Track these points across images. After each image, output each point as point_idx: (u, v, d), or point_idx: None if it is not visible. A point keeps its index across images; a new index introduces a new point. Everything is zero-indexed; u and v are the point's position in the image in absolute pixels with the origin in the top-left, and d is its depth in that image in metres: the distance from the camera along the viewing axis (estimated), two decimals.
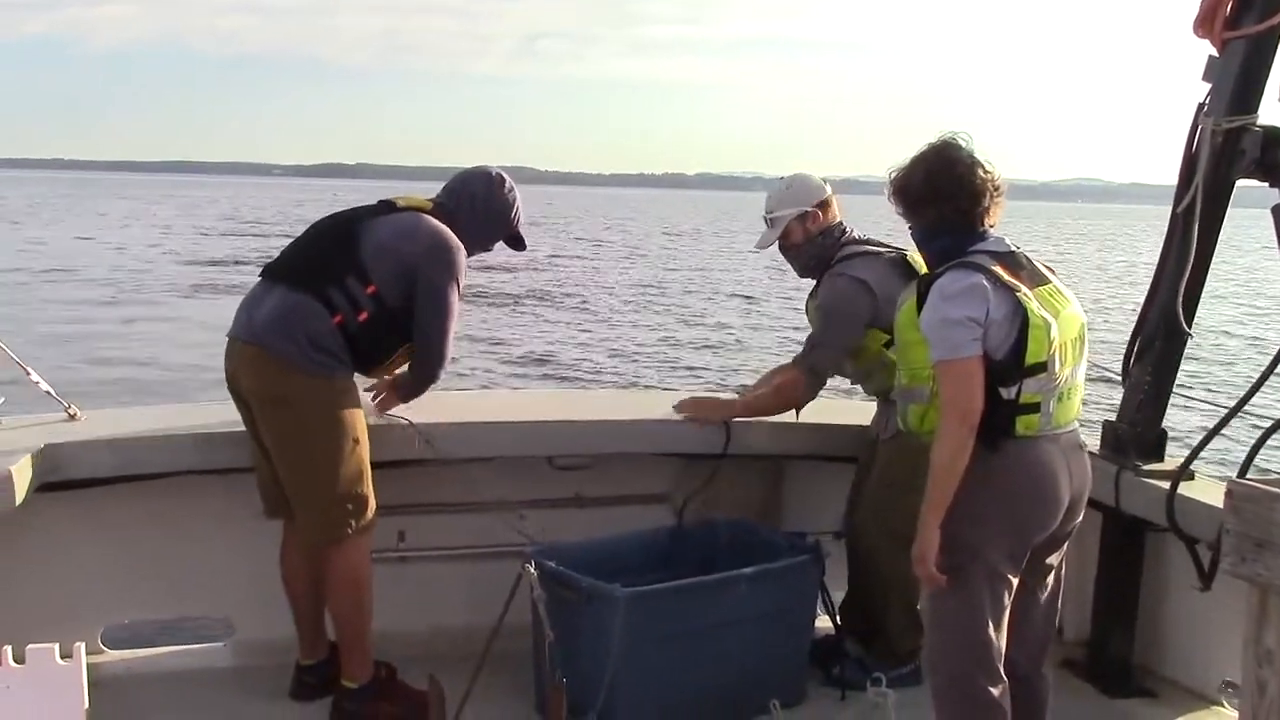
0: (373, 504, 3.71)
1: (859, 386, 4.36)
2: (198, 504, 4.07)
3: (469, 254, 3.87)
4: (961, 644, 3.05)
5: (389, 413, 4.07)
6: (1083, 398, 3.12)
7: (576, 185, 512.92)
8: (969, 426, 2.89)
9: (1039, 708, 3.25)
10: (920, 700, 3.20)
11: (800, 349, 4.24)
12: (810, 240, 4.18)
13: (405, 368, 3.93)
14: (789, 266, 4.37)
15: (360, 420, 3.71)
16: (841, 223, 4.22)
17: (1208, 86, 4.01)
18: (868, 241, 4.21)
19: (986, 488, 2.94)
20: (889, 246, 4.18)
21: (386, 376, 4.03)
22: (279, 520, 3.84)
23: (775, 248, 4.27)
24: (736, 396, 4.79)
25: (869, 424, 4.33)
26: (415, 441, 3.97)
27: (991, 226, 3.07)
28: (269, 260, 3.85)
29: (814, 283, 4.26)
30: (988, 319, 2.88)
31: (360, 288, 3.62)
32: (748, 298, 28.65)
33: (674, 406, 4.45)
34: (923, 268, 4.01)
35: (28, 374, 4.07)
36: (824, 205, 4.19)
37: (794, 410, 4.30)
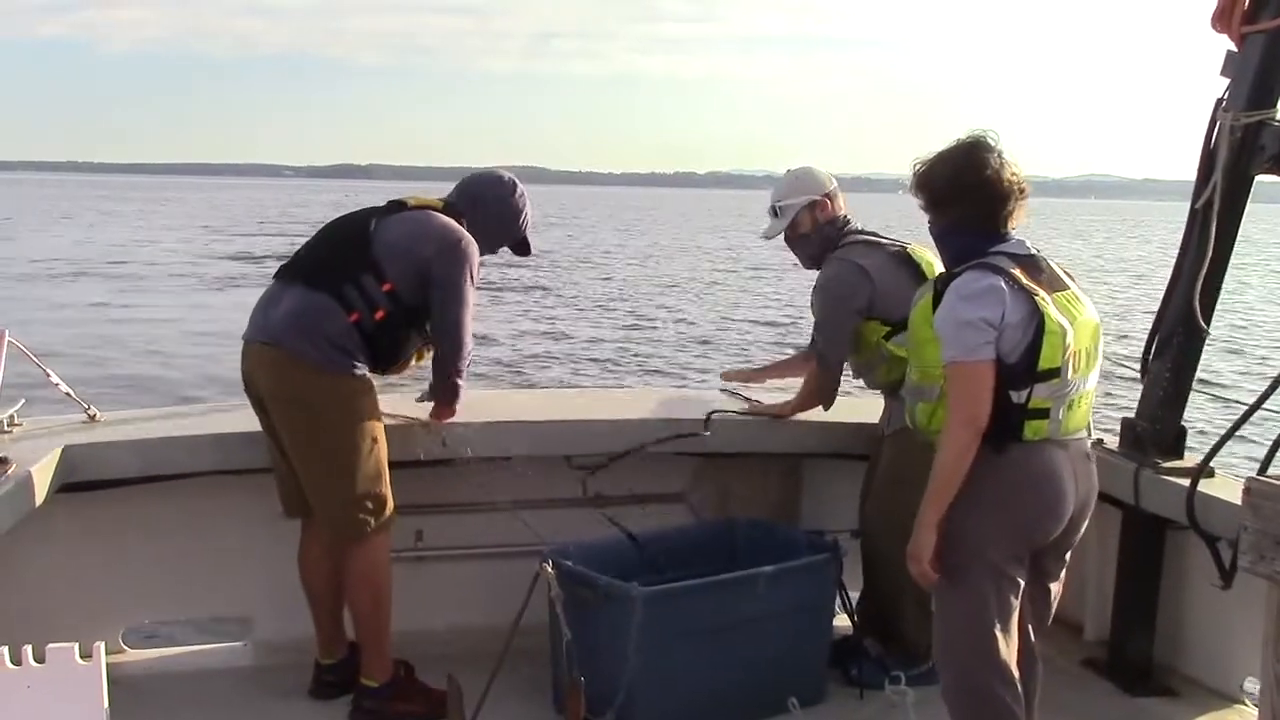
0: (391, 503, 3.73)
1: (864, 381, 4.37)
2: (217, 504, 4.09)
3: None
4: (968, 643, 3.04)
5: (403, 413, 4.09)
6: (1092, 405, 3.09)
7: (586, 185, 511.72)
8: (975, 429, 2.88)
9: (1029, 699, 3.23)
10: (939, 698, 3.19)
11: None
12: (818, 230, 4.18)
13: (429, 370, 3.94)
14: (795, 261, 4.36)
15: (378, 419, 3.73)
16: (846, 215, 4.22)
17: (1225, 82, 3.99)
18: (872, 233, 4.21)
19: (991, 489, 2.93)
20: (891, 239, 4.18)
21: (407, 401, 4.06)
22: (298, 520, 3.85)
23: (778, 240, 4.28)
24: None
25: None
26: (441, 441, 3.97)
27: (1014, 229, 3.05)
28: (282, 260, 3.88)
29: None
30: (1003, 322, 2.86)
31: (376, 285, 3.64)
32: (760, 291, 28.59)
33: (723, 376, 4.63)
34: (925, 261, 4.03)
35: (48, 375, 4.10)
36: (831, 196, 4.19)
37: (821, 402, 4.31)
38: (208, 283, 28.55)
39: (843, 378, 4.36)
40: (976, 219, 3.01)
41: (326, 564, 3.82)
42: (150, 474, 3.91)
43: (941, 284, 3.02)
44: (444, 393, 3.95)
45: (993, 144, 3.02)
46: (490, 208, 3.97)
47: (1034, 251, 3.03)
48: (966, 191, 3.00)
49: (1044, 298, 2.91)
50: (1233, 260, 4.08)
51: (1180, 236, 4.12)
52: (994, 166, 2.98)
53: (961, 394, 2.90)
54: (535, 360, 17.79)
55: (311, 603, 3.90)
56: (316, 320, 3.59)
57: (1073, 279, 3.08)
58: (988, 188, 2.98)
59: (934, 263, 4.03)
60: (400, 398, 4.28)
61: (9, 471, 3.41)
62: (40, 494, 3.51)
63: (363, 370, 3.69)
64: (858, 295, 4.01)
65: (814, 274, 4.32)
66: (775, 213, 4.23)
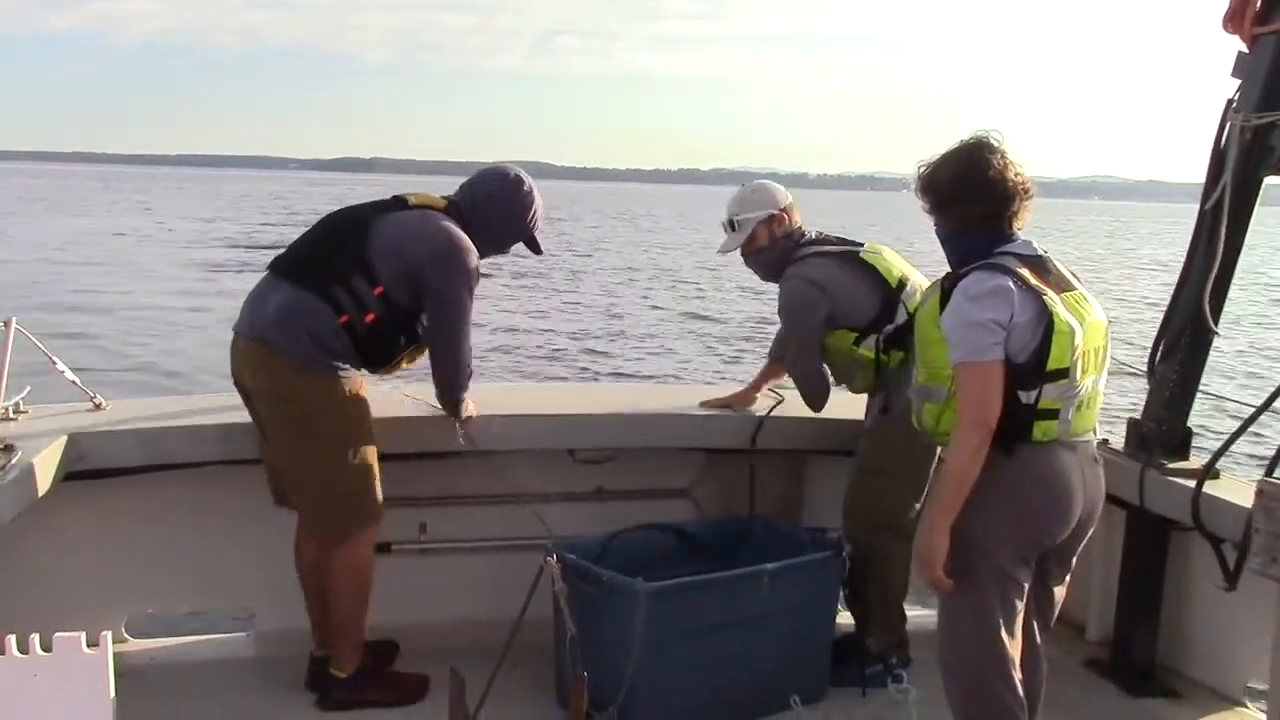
0: (377, 501, 3.70)
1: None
2: (222, 495, 4.09)
3: (481, 256, 3.82)
4: (974, 646, 3.02)
5: (412, 400, 4.09)
6: (1101, 407, 3.08)
7: (591, 180, 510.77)
8: (986, 430, 2.86)
9: (1033, 702, 3.22)
10: (942, 696, 3.18)
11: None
12: (774, 244, 4.18)
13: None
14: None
15: (365, 419, 3.70)
16: (800, 228, 4.23)
17: (1236, 83, 3.99)
18: (824, 240, 4.22)
19: (999, 490, 2.91)
20: (844, 242, 4.20)
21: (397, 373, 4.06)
22: (290, 510, 3.84)
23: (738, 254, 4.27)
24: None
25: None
26: (455, 434, 3.96)
27: (1019, 229, 3.03)
28: (277, 253, 3.84)
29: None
30: (1011, 322, 2.85)
31: (367, 288, 3.59)
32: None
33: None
34: (880, 263, 4.05)
35: (54, 363, 4.09)
36: (788, 210, 4.20)
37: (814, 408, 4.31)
38: (211, 270, 28.55)
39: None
40: (981, 220, 2.99)
41: (315, 557, 3.82)
42: (155, 463, 3.91)
43: (949, 284, 3.00)
44: (447, 408, 3.92)
45: (996, 144, 3.01)
46: (495, 206, 3.87)
47: (1041, 252, 3.02)
48: (970, 192, 2.98)
49: (1052, 297, 2.89)
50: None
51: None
52: (997, 167, 2.97)
53: (971, 395, 2.89)
54: (525, 353, 17.79)
55: (306, 593, 3.89)
56: (304, 320, 3.56)
57: (1079, 280, 3.07)
58: (991, 188, 2.96)
59: (889, 262, 4.08)
60: (417, 387, 4.27)
61: (14, 459, 3.40)
62: (45, 482, 3.51)
63: (350, 371, 3.66)
64: (817, 311, 4.03)
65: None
66: (732, 226, 4.21)
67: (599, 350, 18.52)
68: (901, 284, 4.01)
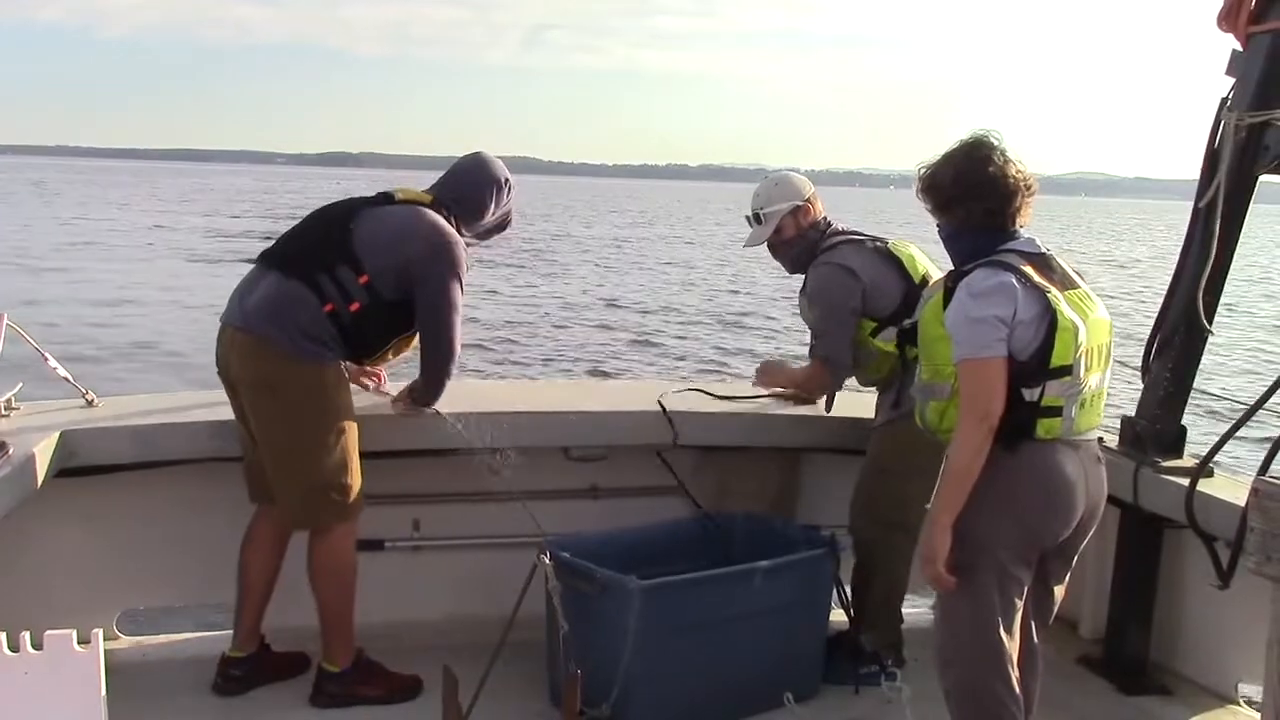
0: (357, 493, 3.70)
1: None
2: (214, 491, 4.07)
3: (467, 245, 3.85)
4: (973, 645, 3.02)
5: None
6: (1105, 405, 3.08)
7: (579, 176, 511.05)
8: (988, 427, 2.86)
9: (1029, 700, 3.22)
10: (935, 694, 3.18)
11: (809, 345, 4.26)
12: (801, 235, 4.18)
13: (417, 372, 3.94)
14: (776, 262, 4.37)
15: (348, 409, 3.71)
16: (825, 218, 4.23)
17: (1229, 81, 3.99)
18: (853, 232, 4.22)
19: (1001, 487, 2.91)
20: (871, 235, 4.20)
21: (388, 383, 4.14)
22: (264, 506, 3.83)
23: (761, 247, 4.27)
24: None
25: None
26: (447, 427, 3.95)
27: (1022, 226, 3.04)
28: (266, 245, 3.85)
29: (803, 279, 4.26)
30: (1015, 319, 2.85)
31: (353, 277, 3.61)
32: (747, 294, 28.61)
33: (759, 371, 4.59)
34: (905, 255, 4.07)
35: (45, 360, 4.07)
36: (811, 200, 4.20)
37: (825, 400, 4.36)
38: (201, 263, 28.51)
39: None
40: (983, 217, 3.00)
41: (271, 554, 3.82)
42: (148, 460, 3.90)
43: (952, 282, 3.00)
44: (429, 395, 3.93)
45: (995, 143, 3.02)
46: (479, 196, 3.92)
47: (1044, 250, 3.03)
48: (971, 191, 2.99)
49: (1055, 295, 2.90)
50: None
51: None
52: (997, 164, 2.98)
53: (974, 392, 2.88)
54: (509, 347, 17.78)
55: (243, 589, 3.86)
56: (289, 308, 3.58)
57: (1082, 278, 3.07)
58: (992, 185, 2.97)
59: (914, 256, 4.10)
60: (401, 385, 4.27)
61: (7, 455, 3.39)
62: (37, 479, 3.50)
63: (335, 360, 3.67)
64: (852, 296, 4.02)
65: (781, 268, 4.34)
66: (758, 220, 4.22)
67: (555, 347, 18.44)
68: (925, 280, 3.99)
